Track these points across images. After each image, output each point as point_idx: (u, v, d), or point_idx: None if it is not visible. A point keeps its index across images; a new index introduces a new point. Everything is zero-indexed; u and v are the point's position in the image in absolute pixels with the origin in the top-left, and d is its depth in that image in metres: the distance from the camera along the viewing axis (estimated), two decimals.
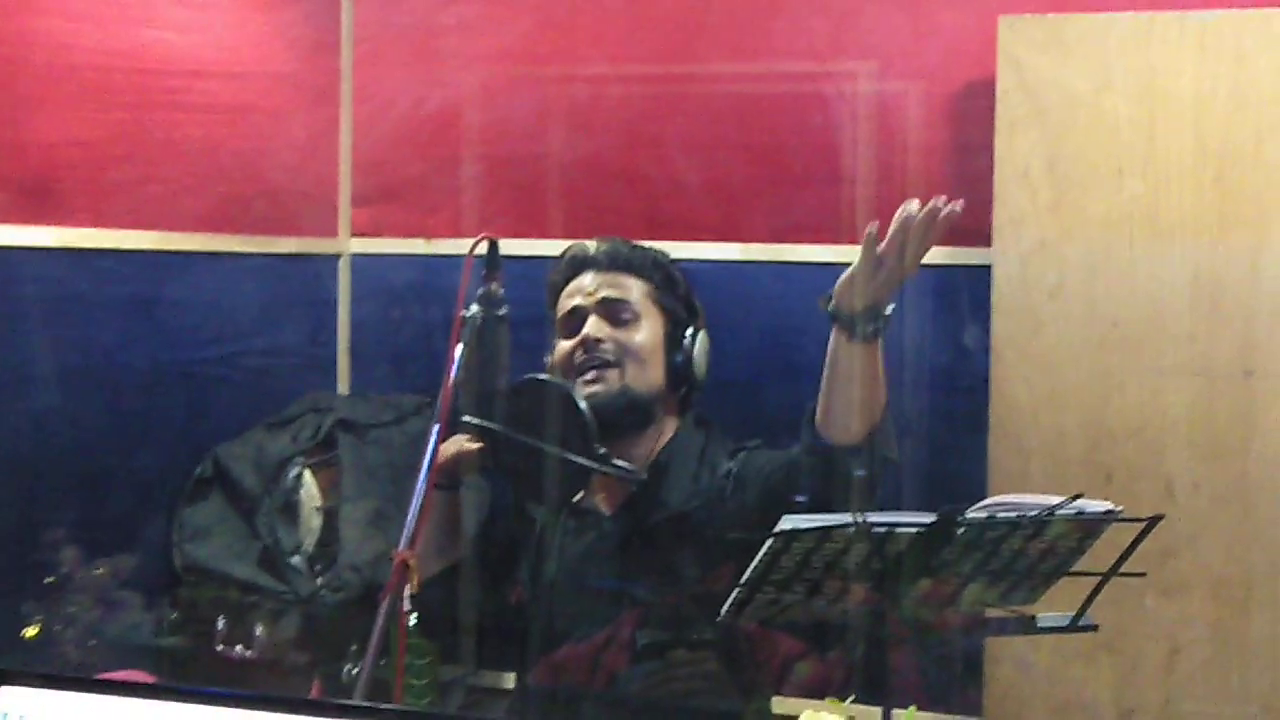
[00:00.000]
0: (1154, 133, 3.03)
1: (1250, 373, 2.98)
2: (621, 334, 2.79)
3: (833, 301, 2.38)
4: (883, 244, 2.31)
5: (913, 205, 2.31)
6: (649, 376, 2.79)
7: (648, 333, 2.80)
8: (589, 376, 2.75)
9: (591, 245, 2.89)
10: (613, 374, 2.76)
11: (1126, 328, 3.05)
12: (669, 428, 2.85)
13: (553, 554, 2.81)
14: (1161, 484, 3.02)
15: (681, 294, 2.89)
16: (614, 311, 2.81)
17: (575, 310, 2.82)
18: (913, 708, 1.86)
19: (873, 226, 2.34)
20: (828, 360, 2.42)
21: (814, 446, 2.43)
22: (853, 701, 2.09)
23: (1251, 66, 2.98)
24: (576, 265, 2.86)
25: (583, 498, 2.79)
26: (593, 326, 2.79)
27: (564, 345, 2.81)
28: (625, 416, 2.74)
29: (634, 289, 2.83)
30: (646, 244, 2.95)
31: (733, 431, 2.96)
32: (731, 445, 2.86)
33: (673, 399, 2.84)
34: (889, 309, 2.39)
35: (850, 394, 2.41)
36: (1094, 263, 3.07)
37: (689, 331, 2.82)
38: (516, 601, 2.84)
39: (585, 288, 2.83)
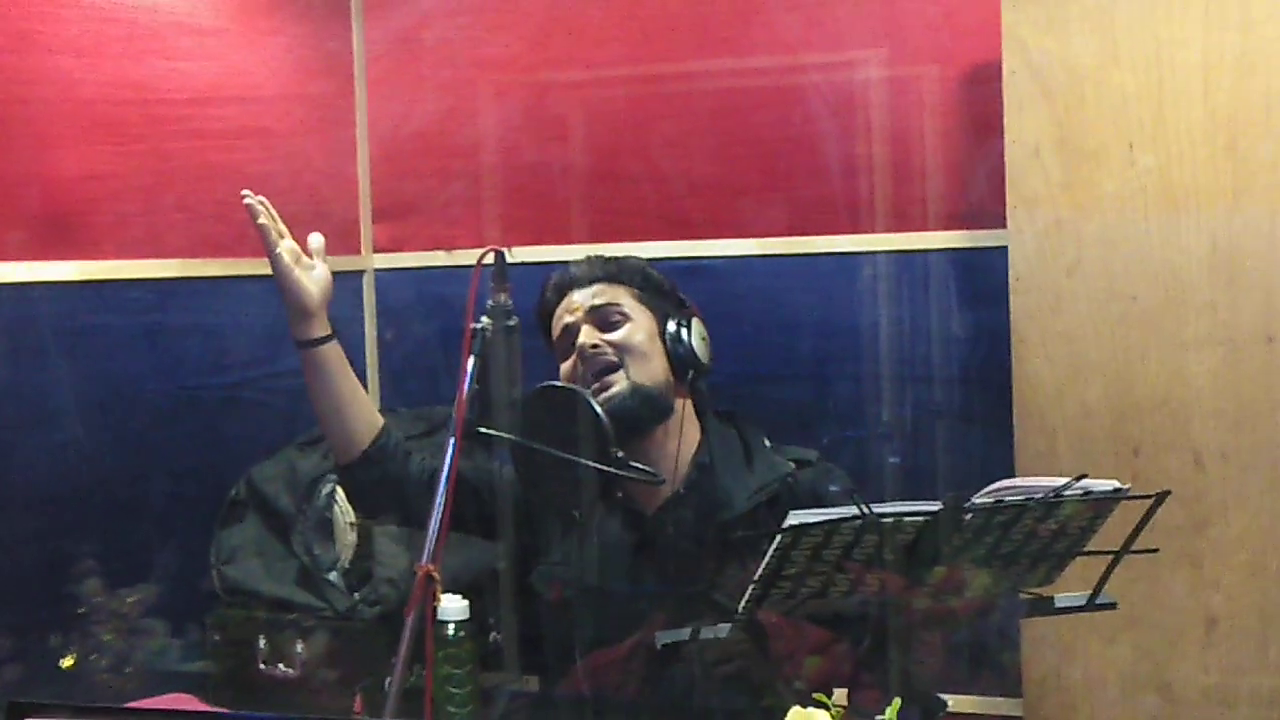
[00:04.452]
0: (1163, 105, 3.02)
1: (1273, 339, 2.96)
2: (616, 336, 2.81)
3: None
4: None
5: None
6: (653, 369, 2.80)
7: (641, 330, 2.83)
8: (596, 385, 2.77)
9: (571, 267, 2.92)
10: (618, 376, 2.78)
11: (1146, 301, 3.04)
12: (692, 426, 2.86)
13: (590, 552, 2.82)
14: (1190, 455, 3.01)
15: (667, 291, 2.91)
16: (603, 317, 2.84)
17: (567, 328, 2.85)
18: (896, 700, 1.85)
19: None
20: None
21: None
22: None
23: (1259, 33, 2.96)
24: (560, 289, 2.90)
25: (623, 496, 2.81)
26: (585, 335, 2.81)
27: (565, 366, 2.84)
28: (643, 413, 2.76)
29: (619, 294, 2.86)
30: (622, 252, 2.98)
31: (760, 425, 2.97)
32: (774, 443, 2.87)
33: (684, 391, 2.85)
34: None
35: None
36: (1110, 238, 3.06)
37: (680, 321, 2.84)
38: (557, 600, 2.85)
39: (572, 305, 2.86)
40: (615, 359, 2.79)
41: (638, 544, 2.84)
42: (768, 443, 2.89)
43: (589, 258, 2.94)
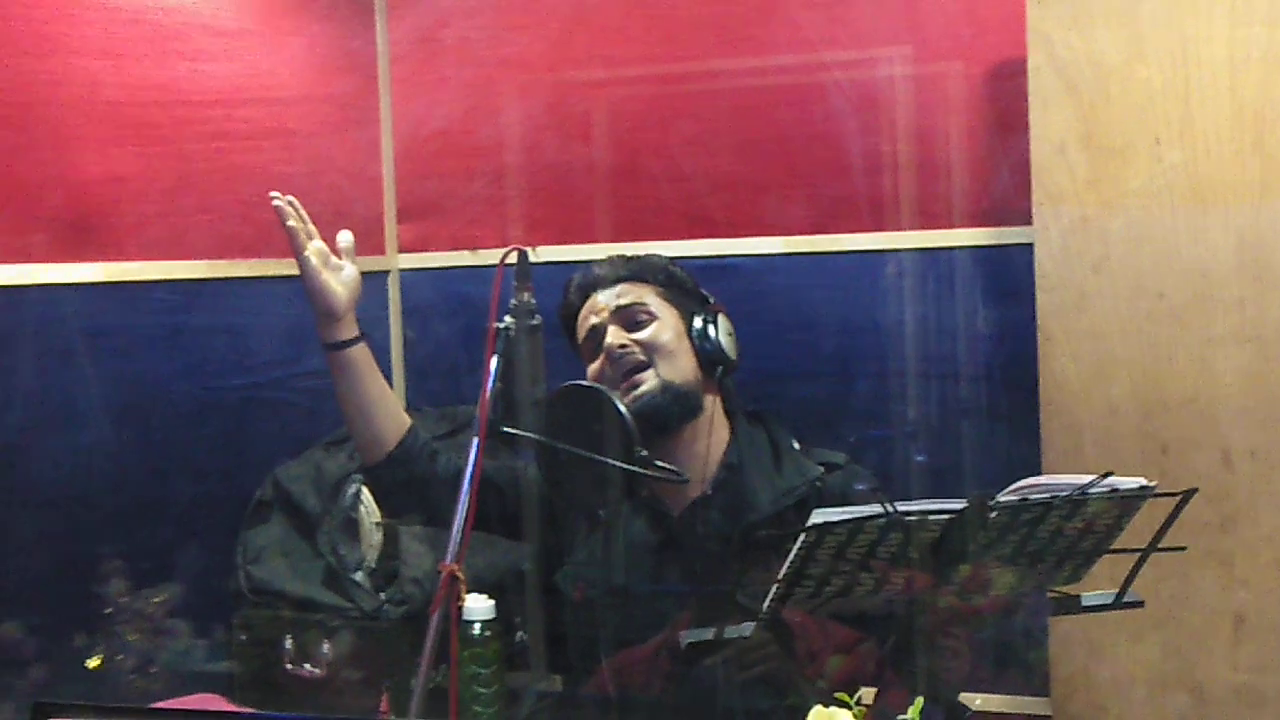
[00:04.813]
0: (1189, 100, 3.00)
1: None
2: (643, 335, 2.81)
3: None
4: None
5: None
6: (682, 367, 2.80)
7: (668, 328, 2.82)
8: (625, 384, 2.77)
9: (593, 268, 2.92)
10: (648, 374, 2.78)
11: (1173, 298, 3.02)
12: (721, 425, 2.85)
13: (615, 552, 2.82)
14: (1218, 453, 2.99)
15: (690, 289, 2.91)
16: (629, 316, 2.83)
17: (594, 330, 2.84)
18: (919, 700, 1.84)
19: None
20: None
21: None
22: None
23: None
24: (584, 290, 2.90)
25: (650, 495, 2.80)
26: (613, 335, 2.81)
27: (593, 367, 2.84)
28: (674, 410, 2.76)
29: (643, 292, 2.85)
30: (645, 250, 2.97)
31: (785, 424, 2.96)
32: (803, 444, 2.86)
33: (713, 388, 2.84)
34: None
35: None
36: (1137, 234, 3.04)
37: (706, 318, 2.83)
38: (580, 598, 2.84)
39: (597, 306, 2.85)
40: (644, 358, 2.79)
41: (663, 544, 2.83)
42: (796, 445, 2.88)
43: (611, 258, 2.94)
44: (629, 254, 2.94)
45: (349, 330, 2.71)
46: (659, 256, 2.94)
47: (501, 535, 2.90)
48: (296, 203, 2.68)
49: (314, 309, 2.69)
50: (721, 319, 2.85)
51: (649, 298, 2.85)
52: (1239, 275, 2.98)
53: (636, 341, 2.80)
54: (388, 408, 2.78)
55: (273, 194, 2.65)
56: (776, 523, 2.73)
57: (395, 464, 2.77)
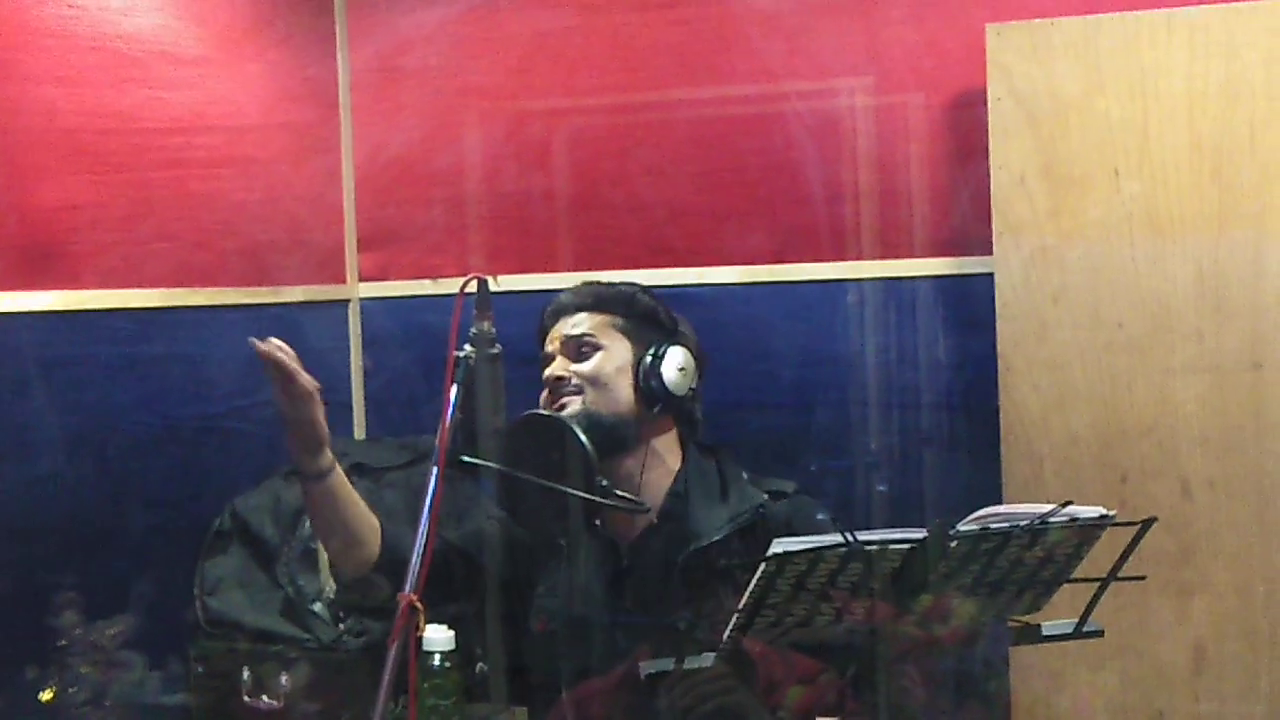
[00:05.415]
0: (1148, 132, 3.02)
1: (1259, 365, 2.96)
2: (584, 366, 2.81)
3: None
4: None
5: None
6: (611, 399, 2.78)
7: (609, 360, 2.81)
8: (557, 406, 2.77)
9: (561, 295, 2.92)
10: (574, 401, 2.78)
11: (1132, 328, 3.04)
12: (671, 455, 2.85)
13: (573, 583, 2.81)
14: (1177, 482, 3.01)
15: (658, 319, 2.88)
16: (574, 348, 2.83)
17: (547, 357, 2.85)
18: None
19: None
20: None
21: None
22: None
23: (1242, 60, 2.97)
24: (553, 316, 2.90)
25: (601, 525, 2.79)
26: (555, 366, 2.82)
27: (543, 395, 2.84)
28: (593, 439, 2.72)
29: (594, 323, 2.85)
30: (607, 278, 2.96)
31: (744, 455, 2.95)
32: (752, 475, 2.86)
33: (656, 421, 2.83)
34: None
35: None
36: (1096, 265, 3.06)
37: (656, 352, 2.81)
38: (542, 630, 2.83)
39: (554, 335, 2.86)
40: (577, 387, 2.79)
41: (615, 574, 2.82)
42: (745, 475, 2.87)
43: (580, 285, 2.93)
44: (603, 281, 2.94)
45: (328, 457, 2.62)
46: (629, 286, 2.93)
47: (472, 605, 2.86)
48: (285, 346, 2.59)
49: (298, 441, 2.57)
50: (674, 352, 2.81)
51: (602, 329, 2.84)
52: (1197, 306, 3.00)
53: (576, 373, 2.80)
54: (361, 513, 2.71)
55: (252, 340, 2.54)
56: (720, 550, 2.72)
57: (384, 569, 2.71)
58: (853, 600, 2.12)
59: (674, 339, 2.86)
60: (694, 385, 2.84)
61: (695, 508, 2.80)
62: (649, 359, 2.81)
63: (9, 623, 2.98)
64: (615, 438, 2.77)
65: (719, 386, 3.14)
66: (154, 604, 3.17)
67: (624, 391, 2.80)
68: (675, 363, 2.81)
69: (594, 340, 2.83)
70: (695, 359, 2.85)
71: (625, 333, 2.84)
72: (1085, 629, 2.20)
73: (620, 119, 3.63)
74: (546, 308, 2.93)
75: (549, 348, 2.85)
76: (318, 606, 3.27)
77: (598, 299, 2.89)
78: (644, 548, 2.81)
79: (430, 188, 3.78)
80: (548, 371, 2.82)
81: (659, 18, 3.58)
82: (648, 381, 2.80)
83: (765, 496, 2.79)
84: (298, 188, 3.69)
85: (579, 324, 2.84)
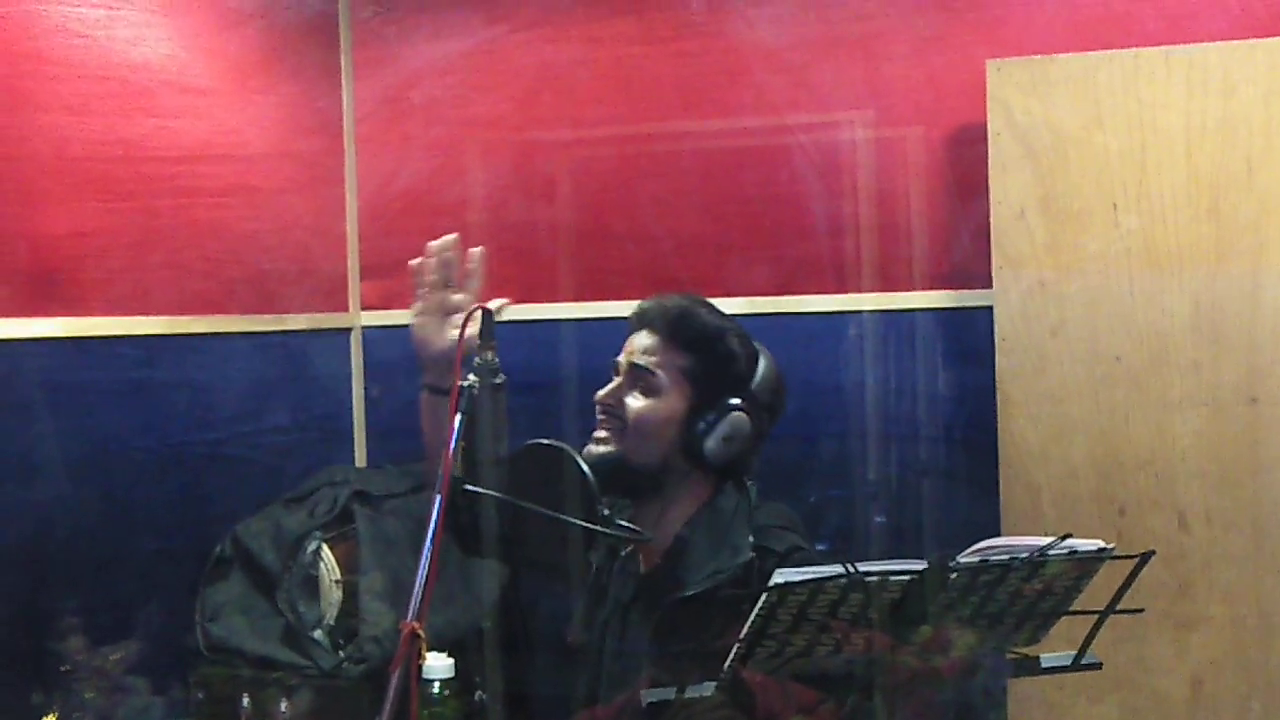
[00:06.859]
0: (1146, 167, 3.05)
1: (1255, 399, 2.98)
2: (636, 402, 2.76)
3: None
4: None
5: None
6: (647, 450, 2.74)
7: (661, 408, 2.76)
8: (599, 434, 2.76)
9: (658, 303, 2.83)
10: (615, 438, 2.76)
11: (1130, 361, 3.06)
12: (697, 495, 2.81)
13: (591, 606, 2.81)
14: (1174, 515, 3.02)
15: (729, 368, 2.79)
16: (635, 378, 2.76)
17: (615, 366, 2.81)
18: None
19: None
20: None
21: None
22: None
23: (1239, 96, 2.99)
24: (639, 321, 2.82)
25: (627, 555, 2.79)
26: (612, 387, 2.78)
27: (600, 392, 2.82)
28: (614, 480, 2.72)
29: (665, 359, 2.77)
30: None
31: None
32: (762, 521, 2.82)
33: (692, 473, 2.81)
34: None
35: None
36: (1094, 299, 3.08)
37: (711, 420, 2.76)
38: (572, 642, 2.82)
39: (632, 346, 2.80)
40: (620, 424, 2.76)
41: (629, 601, 2.83)
42: (751, 523, 2.82)
43: (669, 299, 2.84)
44: (703, 310, 2.83)
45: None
46: (721, 326, 2.81)
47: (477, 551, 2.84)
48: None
49: (428, 358, 2.72)
50: (726, 423, 2.75)
51: (670, 369, 2.77)
52: (1194, 339, 3.02)
53: (627, 405, 2.77)
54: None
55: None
56: (696, 602, 2.69)
57: None
58: (853, 631, 2.13)
59: (742, 396, 2.78)
60: (742, 448, 2.78)
61: (692, 553, 2.78)
62: (701, 424, 2.78)
63: (12, 647, 2.99)
64: (638, 486, 2.76)
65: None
66: (156, 630, 3.18)
67: (663, 445, 2.74)
68: (722, 434, 2.75)
69: (655, 382, 2.76)
70: (758, 417, 2.79)
71: (692, 379, 2.77)
72: (1084, 661, 2.21)
73: (624, 151, 3.66)
74: (644, 302, 2.87)
75: (621, 356, 2.80)
76: (318, 633, 3.28)
77: (675, 327, 2.79)
78: (651, 583, 2.81)
79: (435, 218, 3.79)
80: (602, 392, 2.79)
81: (663, 51, 3.61)
82: (689, 444, 2.77)
83: (751, 555, 2.75)
84: (303, 217, 3.72)
85: (650, 352, 2.77)
